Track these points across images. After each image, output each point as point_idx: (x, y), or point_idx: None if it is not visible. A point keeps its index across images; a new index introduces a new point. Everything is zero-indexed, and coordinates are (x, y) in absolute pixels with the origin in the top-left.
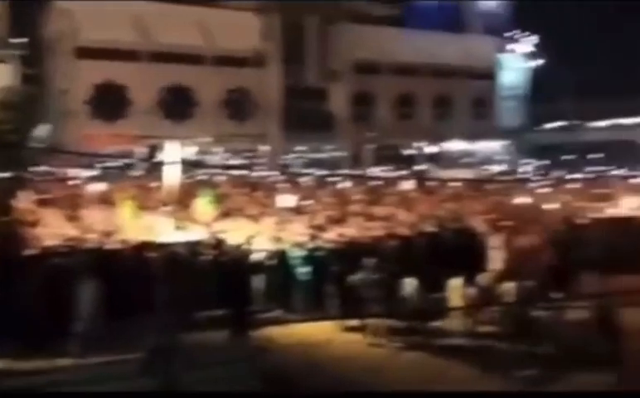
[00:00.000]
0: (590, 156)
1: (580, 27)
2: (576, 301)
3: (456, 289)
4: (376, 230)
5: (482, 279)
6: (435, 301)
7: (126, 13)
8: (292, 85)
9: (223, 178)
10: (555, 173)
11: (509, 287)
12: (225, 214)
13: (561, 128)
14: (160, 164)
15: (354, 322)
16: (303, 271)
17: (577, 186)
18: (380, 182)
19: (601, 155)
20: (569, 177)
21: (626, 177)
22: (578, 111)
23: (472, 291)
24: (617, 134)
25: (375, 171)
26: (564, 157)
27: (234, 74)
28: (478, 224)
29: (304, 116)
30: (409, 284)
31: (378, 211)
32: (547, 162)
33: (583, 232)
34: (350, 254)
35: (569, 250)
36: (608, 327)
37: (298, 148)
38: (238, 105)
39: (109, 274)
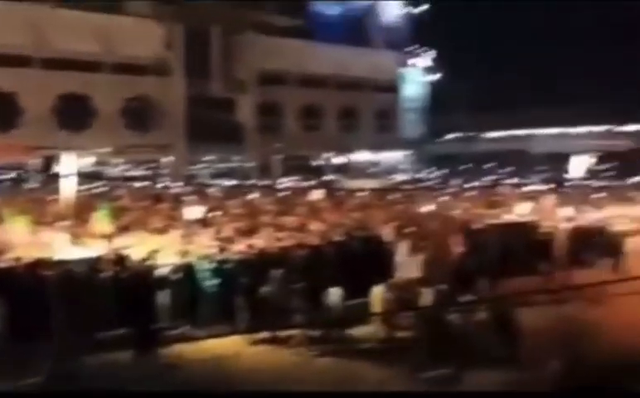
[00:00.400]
0: (486, 165)
1: (476, 42)
2: (480, 303)
3: (377, 296)
4: (286, 240)
5: (391, 285)
6: (349, 308)
7: (18, 17)
8: (197, 95)
9: (124, 191)
10: (454, 181)
11: (418, 292)
12: (127, 227)
13: (459, 139)
14: (56, 176)
15: (265, 335)
16: (211, 284)
17: (474, 193)
18: (288, 193)
19: (495, 164)
20: (467, 185)
21: (518, 185)
22: (474, 123)
23: (384, 297)
24: (510, 145)
25: (284, 181)
26: (462, 167)
27: (134, 82)
28: (385, 232)
29: (210, 126)
30: (334, 293)
31: (287, 221)
32: (446, 171)
33: (481, 237)
34: (259, 265)
35: (471, 255)
36: (506, 328)
37: (205, 158)
38: (139, 115)
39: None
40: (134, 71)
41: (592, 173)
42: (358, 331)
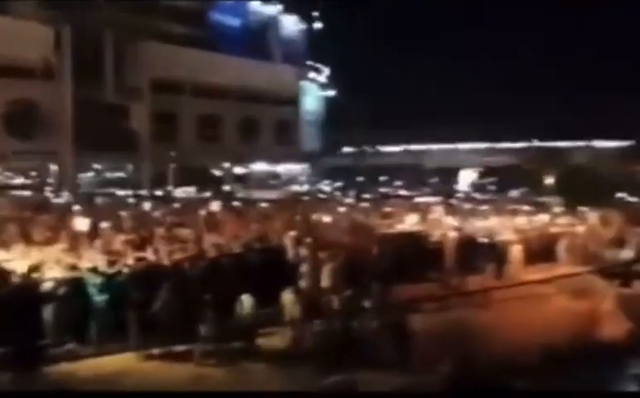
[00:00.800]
0: (381, 178)
1: (374, 59)
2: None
3: (288, 303)
4: (180, 252)
5: (289, 294)
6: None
7: None
8: (87, 101)
9: (4, 200)
10: (352, 193)
11: (320, 300)
12: (8, 240)
13: (357, 153)
14: None
15: (158, 351)
16: (100, 300)
17: (371, 205)
18: (184, 204)
19: (389, 177)
20: (365, 196)
21: (411, 197)
22: (370, 137)
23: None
24: (404, 159)
25: (180, 191)
26: (358, 179)
27: (17, 85)
28: (285, 242)
29: (101, 133)
30: (246, 301)
31: (183, 233)
32: (344, 182)
33: (379, 246)
34: (151, 279)
35: (369, 263)
36: (401, 333)
37: (95, 167)
38: (22, 120)
39: None
40: (17, 74)
41: (477, 187)
42: (256, 342)
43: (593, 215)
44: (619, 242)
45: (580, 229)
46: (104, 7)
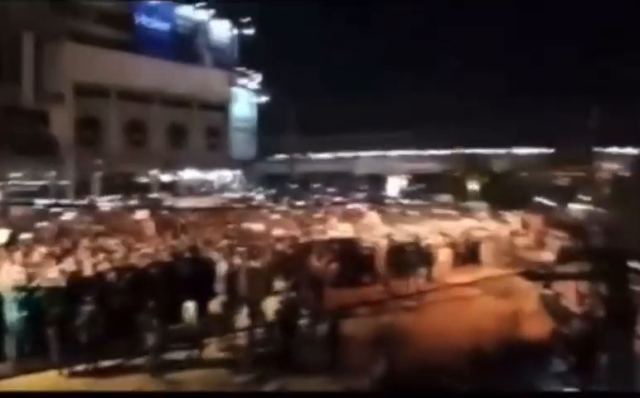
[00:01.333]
0: (313, 185)
1: (305, 66)
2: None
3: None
4: (107, 263)
5: (217, 303)
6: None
7: None
8: (4, 105)
9: None
10: (284, 200)
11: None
12: None
13: (289, 159)
14: None
15: (81, 367)
16: (18, 316)
17: (303, 211)
18: (110, 212)
19: (321, 184)
20: (297, 203)
21: (343, 203)
22: (303, 144)
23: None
24: (335, 166)
25: (105, 200)
26: (290, 186)
27: None
28: (215, 251)
29: (20, 140)
30: (190, 309)
31: (109, 243)
32: (275, 190)
33: (312, 252)
34: (75, 292)
35: (302, 269)
36: (333, 337)
37: (13, 175)
38: None
39: None
40: None
41: (405, 193)
42: (181, 354)
43: (514, 220)
44: (540, 245)
45: (503, 233)
46: (22, 8)
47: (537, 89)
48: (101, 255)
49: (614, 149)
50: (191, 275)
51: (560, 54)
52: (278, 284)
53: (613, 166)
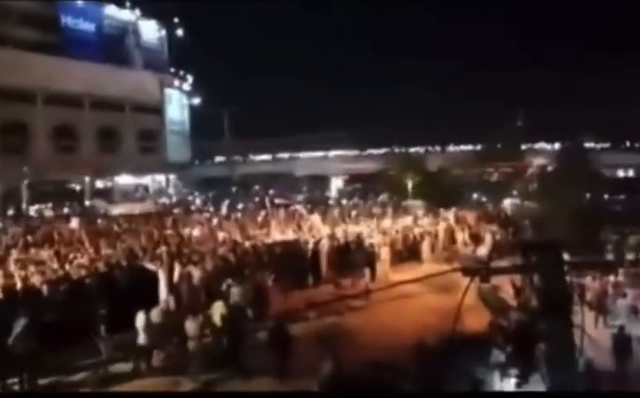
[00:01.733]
0: (253, 187)
1: (242, 67)
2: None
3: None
4: (38, 275)
5: (157, 313)
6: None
7: None
8: None
9: None
10: (224, 203)
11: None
12: None
13: (227, 162)
14: None
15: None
16: None
17: (244, 215)
18: (42, 221)
19: (261, 186)
20: (237, 206)
21: (287, 205)
22: (241, 146)
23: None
24: (275, 167)
25: (35, 209)
26: (230, 189)
27: None
28: (154, 258)
29: None
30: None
31: (41, 254)
32: (215, 193)
33: (254, 256)
34: (5, 306)
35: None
36: (280, 339)
37: None
38: None
39: None
40: None
41: (345, 193)
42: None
43: (450, 216)
44: (475, 239)
45: (440, 229)
46: None
47: (469, 89)
48: (32, 267)
49: (541, 145)
50: (129, 284)
51: (491, 56)
52: (221, 290)
53: (541, 160)
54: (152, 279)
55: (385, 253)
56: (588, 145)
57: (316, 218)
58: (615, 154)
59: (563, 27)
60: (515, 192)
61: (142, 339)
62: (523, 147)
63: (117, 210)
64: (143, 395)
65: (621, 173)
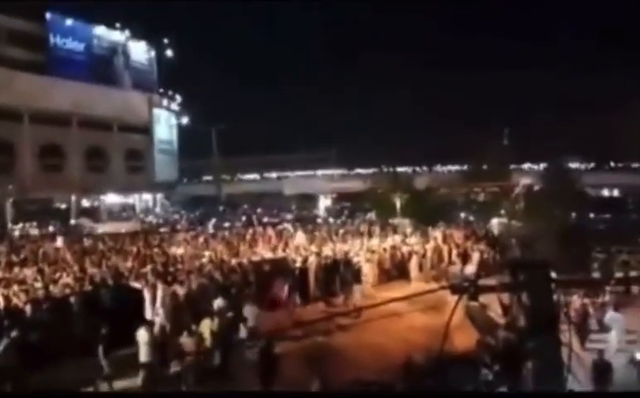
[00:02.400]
0: (241, 206)
1: (229, 86)
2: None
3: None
4: (22, 294)
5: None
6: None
7: None
8: None
9: None
10: (211, 222)
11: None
12: None
13: (214, 181)
14: None
15: None
16: None
17: (231, 234)
18: (27, 240)
19: (249, 205)
20: (225, 225)
21: (273, 224)
22: (229, 165)
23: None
24: (263, 186)
25: (19, 227)
26: (218, 208)
27: None
28: (139, 277)
29: None
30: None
31: (25, 272)
32: (201, 211)
33: (243, 275)
34: None
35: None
36: (268, 357)
37: None
38: None
39: None
40: None
41: (333, 212)
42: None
43: (437, 235)
44: (462, 258)
45: (427, 248)
46: None
47: (456, 109)
48: (15, 287)
49: (527, 165)
50: (114, 303)
51: (477, 73)
52: (209, 308)
53: (527, 180)
54: (138, 297)
55: (370, 271)
56: (573, 165)
57: (301, 236)
58: (600, 174)
59: (552, 41)
60: (502, 212)
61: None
62: (510, 167)
63: (103, 229)
64: (143, 395)
65: (606, 193)
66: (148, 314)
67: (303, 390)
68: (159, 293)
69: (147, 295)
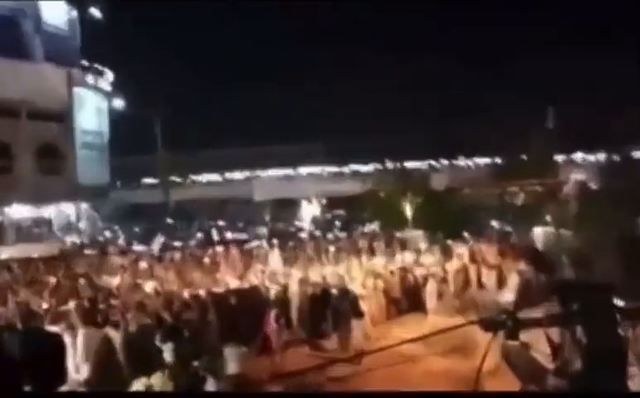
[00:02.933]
0: (195, 218)
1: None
2: None
3: None
4: None
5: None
6: None
7: None
8: None
9: None
10: (155, 240)
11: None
12: None
13: (160, 184)
14: None
15: None
16: None
17: (184, 255)
18: None
19: (206, 216)
20: (173, 244)
21: (242, 242)
22: (180, 163)
23: None
24: (224, 190)
25: None
26: (164, 220)
27: None
28: (58, 317)
29: None
30: None
31: None
32: (142, 226)
33: (204, 311)
34: None
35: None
36: None
37: None
38: None
39: None
40: None
41: (321, 222)
42: None
43: (461, 251)
44: (498, 282)
45: (448, 269)
46: None
47: (479, 84)
48: None
49: (580, 155)
50: (25, 355)
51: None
52: (153, 357)
53: (580, 176)
54: (57, 345)
55: (373, 302)
56: None
57: (277, 258)
58: None
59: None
60: (547, 218)
61: None
62: (556, 158)
63: (8, 252)
64: (143, 395)
65: None
66: (71, 367)
67: (303, 391)
68: (84, 339)
69: (68, 342)
